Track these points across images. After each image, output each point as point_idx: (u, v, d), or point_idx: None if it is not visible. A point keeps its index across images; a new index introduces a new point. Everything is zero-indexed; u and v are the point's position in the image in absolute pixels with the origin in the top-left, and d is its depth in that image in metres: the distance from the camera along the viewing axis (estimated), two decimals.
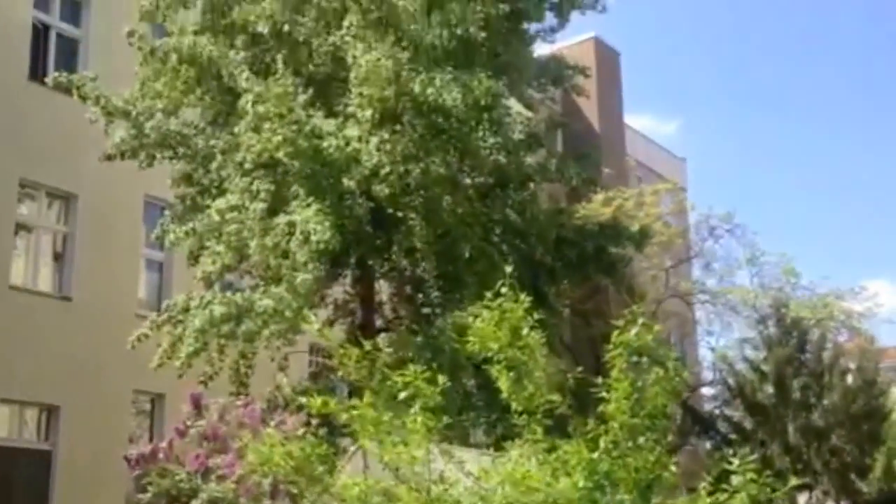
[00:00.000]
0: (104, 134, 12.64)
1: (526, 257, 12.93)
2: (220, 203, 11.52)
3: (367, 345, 5.91)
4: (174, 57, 12.22)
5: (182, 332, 11.54)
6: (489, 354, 5.78)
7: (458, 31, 11.24)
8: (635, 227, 15.34)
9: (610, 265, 14.14)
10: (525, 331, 5.75)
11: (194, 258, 12.47)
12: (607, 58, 27.21)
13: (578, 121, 23.00)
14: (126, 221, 16.39)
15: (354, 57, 11.29)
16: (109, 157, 12.68)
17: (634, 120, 41.07)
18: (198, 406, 10.60)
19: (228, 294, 11.42)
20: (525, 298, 5.78)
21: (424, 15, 11.23)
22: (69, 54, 16.55)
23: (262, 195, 11.25)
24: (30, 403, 15.01)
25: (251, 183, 11.43)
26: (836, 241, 66.08)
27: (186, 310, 11.77)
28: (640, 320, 5.81)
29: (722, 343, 25.55)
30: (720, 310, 25.14)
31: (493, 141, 12.40)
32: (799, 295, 24.09)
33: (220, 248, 11.22)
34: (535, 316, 5.82)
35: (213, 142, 12.17)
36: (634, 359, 5.71)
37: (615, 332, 5.75)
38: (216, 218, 11.39)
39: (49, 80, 13.46)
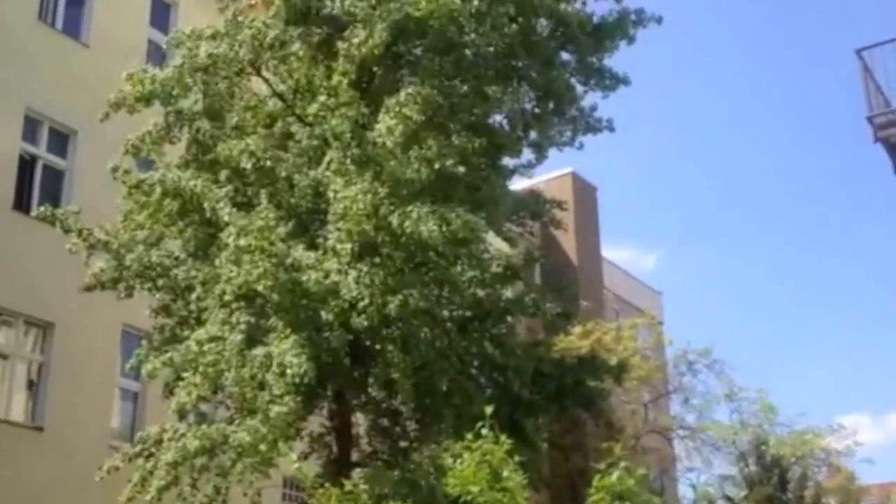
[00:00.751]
0: (84, 264, 12.72)
1: (504, 390, 12.92)
2: (199, 334, 11.53)
3: (347, 484, 5.86)
4: (158, 190, 12.40)
5: (154, 465, 11.38)
6: (469, 498, 5.74)
7: (437, 167, 11.48)
8: (614, 361, 15.39)
9: (588, 399, 14.10)
10: (506, 473, 5.72)
11: (169, 390, 12.39)
12: (585, 192, 27.77)
13: (556, 254, 23.31)
14: (102, 351, 16.32)
15: (335, 192, 11.49)
16: (89, 288, 12.74)
17: (614, 253, 41.59)
18: None
19: (203, 427, 11.33)
20: (505, 440, 5.76)
21: (404, 151, 11.49)
22: (54, 185, 16.79)
23: (241, 327, 11.28)
24: None
25: (230, 314, 11.47)
26: (816, 376, 66.24)
27: (159, 442, 11.64)
28: (623, 463, 5.81)
29: (703, 480, 25.34)
30: (700, 446, 25.02)
31: (471, 274, 12.55)
32: (778, 431, 24.07)
33: (197, 378, 11.18)
34: (517, 458, 5.79)
35: (193, 273, 12.25)
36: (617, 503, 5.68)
37: (597, 476, 5.74)
38: (194, 349, 11.38)
39: (33, 212, 13.60)
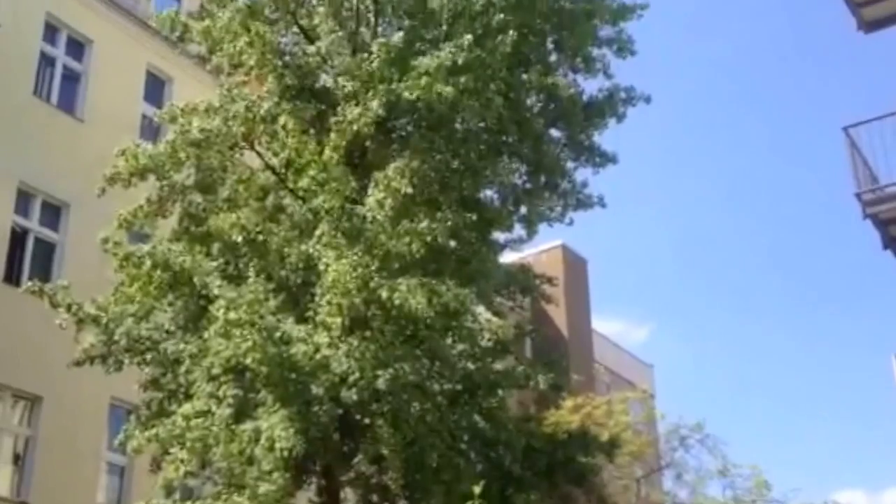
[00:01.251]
0: (74, 339, 12.67)
1: (494, 466, 12.79)
2: (187, 408, 11.45)
3: None
4: (149, 262, 12.41)
5: None
6: None
7: (428, 241, 11.53)
8: (605, 436, 15.29)
9: (580, 475, 13.96)
10: None
11: (157, 465, 12.26)
12: (575, 265, 27.87)
13: (547, 327, 23.30)
14: (90, 425, 16.18)
15: (326, 265, 11.52)
16: (78, 363, 12.68)
17: (606, 325, 41.55)
18: None
19: (190, 503, 11.19)
20: None
21: (394, 225, 11.56)
22: (46, 257, 16.82)
23: (229, 401, 11.20)
24: None
25: (218, 388, 11.39)
26: (810, 452, 65.72)
27: None
28: None
29: None
30: None
31: (461, 347, 12.53)
32: None
33: (184, 454, 11.07)
34: None
35: (182, 347, 12.20)
36: None
37: None
38: (181, 423, 11.28)
39: (23, 285, 13.58)
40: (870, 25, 15.87)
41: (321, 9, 13.47)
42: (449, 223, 11.81)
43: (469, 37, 12.03)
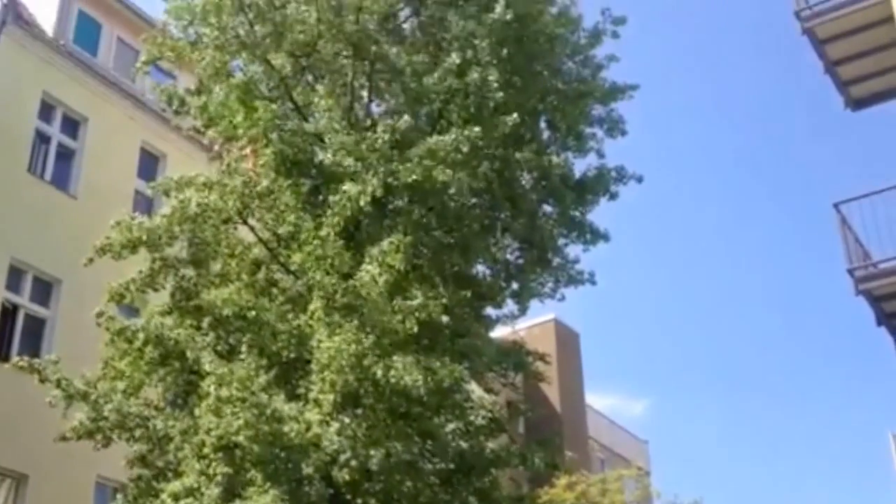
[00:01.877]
0: (62, 415, 12.50)
1: None
2: (175, 486, 11.26)
3: None
4: (141, 337, 12.33)
5: None
6: None
7: (422, 316, 11.50)
8: None
9: None
10: None
11: None
12: (567, 339, 27.78)
13: (540, 403, 23.13)
14: (76, 503, 15.89)
15: (318, 341, 11.45)
16: (65, 439, 12.49)
17: (601, 400, 41.29)
18: None
19: None
20: None
21: (388, 301, 11.52)
22: (36, 333, 16.71)
23: (219, 479, 11.04)
24: None
25: (208, 466, 11.23)
26: None
27: None
28: None
29: None
30: None
31: (455, 426, 12.41)
32: None
33: None
34: None
35: (171, 423, 12.06)
36: None
37: None
38: (170, 502, 11.10)
39: (12, 361, 13.46)
40: (857, 103, 16.11)
41: (318, 86, 13.64)
42: (444, 300, 11.79)
43: (477, 129, 12.16)
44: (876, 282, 13.65)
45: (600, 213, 14.43)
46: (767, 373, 70.44)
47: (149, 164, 19.81)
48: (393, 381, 10.92)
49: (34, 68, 18.10)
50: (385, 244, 11.56)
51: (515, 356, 15.24)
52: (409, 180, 11.85)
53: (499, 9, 13.00)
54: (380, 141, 12.14)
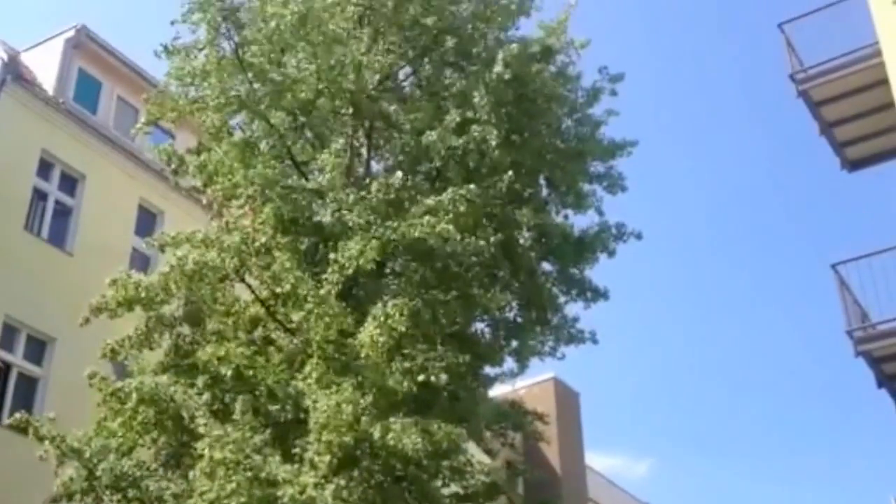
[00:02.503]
0: (54, 473, 12.29)
1: None
2: None
3: None
4: (134, 397, 12.17)
5: None
6: None
7: (421, 378, 11.38)
8: None
9: None
10: None
11: None
12: (567, 399, 27.49)
13: (539, 464, 22.82)
14: None
15: (314, 401, 11.31)
16: (56, 500, 12.26)
17: (604, 460, 40.86)
18: None
19: None
20: None
21: (387, 361, 11.41)
22: (28, 392, 16.54)
23: None
24: None
25: None
26: None
27: None
28: None
29: None
30: None
31: (453, 489, 12.21)
32: None
33: None
34: None
35: (165, 485, 11.84)
36: None
37: None
38: None
39: (4, 421, 13.30)
40: (853, 164, 16.18)
41: (317, 143, 13.66)
42: (443, 362, 11.67)
43: (472, 186, 12.16)
44: (875, 343, 13.61)
45: (602, 271, 14.40)
46: (770, 434, 69.91)
47: (147, 221, 19.77)
48: (391, 442, 10.77)
49: (33, 126, 18.15)
50: (389, 306, 11.43)
51: (514, 416, 15.09)
52: (414, 236, 11.79)
53: (498, 68, 13.07)
54: (374, 200, 12.12)
